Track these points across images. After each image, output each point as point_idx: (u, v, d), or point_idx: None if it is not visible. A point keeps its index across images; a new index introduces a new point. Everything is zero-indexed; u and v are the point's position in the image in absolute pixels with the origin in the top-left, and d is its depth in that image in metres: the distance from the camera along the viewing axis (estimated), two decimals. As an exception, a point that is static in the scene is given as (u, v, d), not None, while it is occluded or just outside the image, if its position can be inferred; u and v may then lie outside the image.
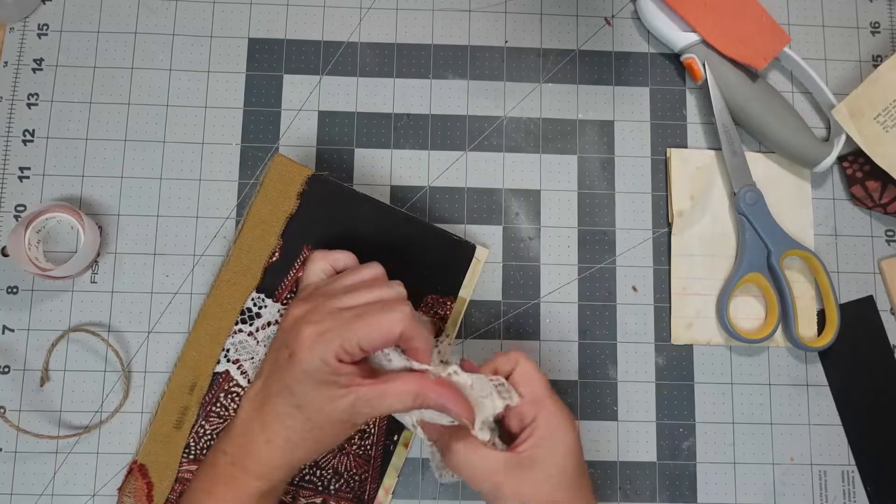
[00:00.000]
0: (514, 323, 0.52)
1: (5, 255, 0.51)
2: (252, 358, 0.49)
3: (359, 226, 0.50)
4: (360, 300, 0.40)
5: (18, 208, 0.52)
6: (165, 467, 0.48)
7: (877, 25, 0.57)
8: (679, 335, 0.53)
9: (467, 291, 0.51)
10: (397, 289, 0.42)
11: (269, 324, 0.49)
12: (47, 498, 0.49)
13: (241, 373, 0.49)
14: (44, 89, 0.54)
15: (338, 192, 0.50)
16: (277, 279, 0.50)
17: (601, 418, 0.52)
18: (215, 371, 0.49)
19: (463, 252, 0.51)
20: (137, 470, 0.48)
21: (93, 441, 0.50)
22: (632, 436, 0.52)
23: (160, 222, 0.53)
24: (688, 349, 0.53)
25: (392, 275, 0.43)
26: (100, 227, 0.52)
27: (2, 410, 0.50)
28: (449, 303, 0.51)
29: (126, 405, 0.50)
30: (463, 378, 0.41)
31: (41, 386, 0.50)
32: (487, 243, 0.53)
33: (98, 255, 0.52)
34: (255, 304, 0.49)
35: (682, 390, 0.52)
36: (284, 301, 0.50)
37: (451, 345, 0.49)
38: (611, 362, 0.52)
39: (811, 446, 0.52)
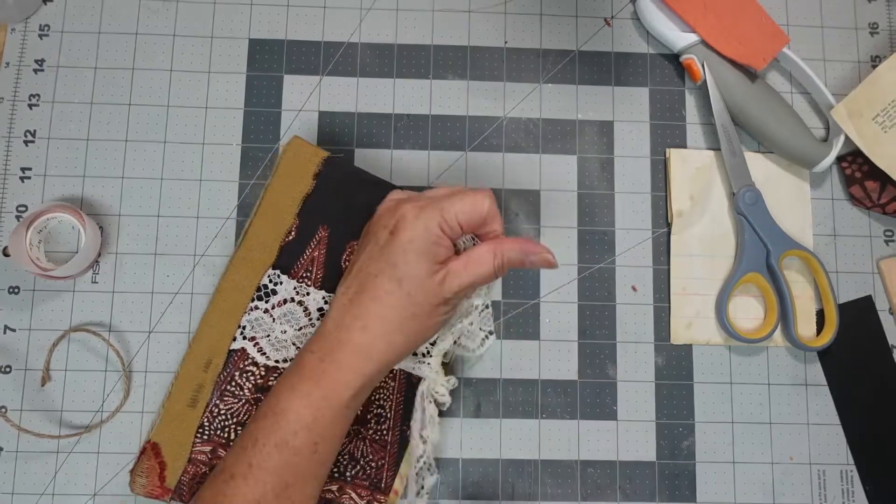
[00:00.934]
0: (513, 323, 0.53)
1: (7, 256, 0.51)
2: (268, 335, 0.49)
3: (372, 207, 0.49)
4: (458, 207, 0.41)
5: (20, 208, 0.53)
6: (179, 447, 0.48)
7: (875, 26, 0.57)
8: (678, 335, 0.53)
9: None
10: (482, 198, 0.42)
11: (284, 301, 0.49)
12: (48, 497, 0.49)
13: (259, 350, 0.49)
14: (45, 90, 0.54)
15: (354, 175, 0.50)
16: (293, 258, 0.50)
17: (601, 418, 0.52)
18: (231, 349, 0.49)
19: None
20: (151, 449, 0.48)
21: (93, 441, 0.50)
22: (631, 435, 0.52)
23: (161, 222, 0.53)
24: (687, 349, 0.53)
25: None
26: (101, 228, 0.52)
27: (3, 410, 0.50)
28: None
29: (127, 405, 0.51)
30: None
31: (42, 385, 0.51)
32: (487, 243, 0.53)
33: (99, 255, 0.52)
34: (270, 281, 0.49)
35: (681, 390, 0.52)
36: (300, 279, 0.50)
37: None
38: (610, 362, 0.52)
39: (810, 446, 0.52)
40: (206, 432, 0.48)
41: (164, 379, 0.51)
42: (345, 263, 0.50)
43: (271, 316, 0.49)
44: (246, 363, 0.49)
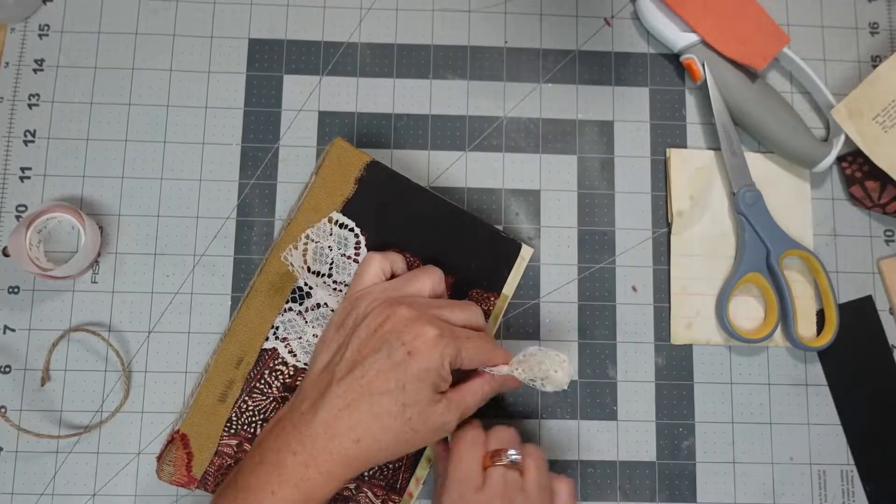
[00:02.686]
0: (513, 323, 0.53)
1: (6, 256, 0.51)
2: (300, 337, 0.49)
3: (411, 215, 0.50)
4: (458, 318, 0.44)
5: (19, 208, 0.53)
6: (207, 439, 0.48)
7: (876, 26, 0.57)
8: (679, 335, 0.53)
9: (511, 289, 0.52)
10: (478, 310, 0.46)
11: (318, 305, 0.49)
12: (48, 498, 0.49)
13: (289, 351, 0.49)
14: (45, 90, 0.54)
15: (394, 181, 0.51)
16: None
17: (601, 418, 0.52)
18: (263, 348, 0.49)
19: (509, 249, 0.52)
20: (180, 440, 0.48)
21: (93, 441, 0.50)
22: (631, 435, 0.52)
23: (160, 222, 0.53)
24: (687, 349, 0.53)
25: (439, 266, 0.47)
26: (100, 228, 0.52)
27: (3, 410, 0.50)
28: (492, 298, 0.51)
29: (126, 405, 0.51)
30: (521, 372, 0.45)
31: (42, 385, 0.51)
32: (487, 243, 0.53)
33: (99, 255, 0.52)
34: (306, 284, 0.49)
35: (681, 390, 0.52)
36: (336, 285, 0.50)
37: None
38: (610, 362, 0.52)
39: (810, 446, 0.52)
40: (234, 427, 0.48)
41: (164, 378, 0.51)
42: None
43: (304, 318, 0.49)
44: (276, 362, 0.49)
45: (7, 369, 0.51)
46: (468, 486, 0.42)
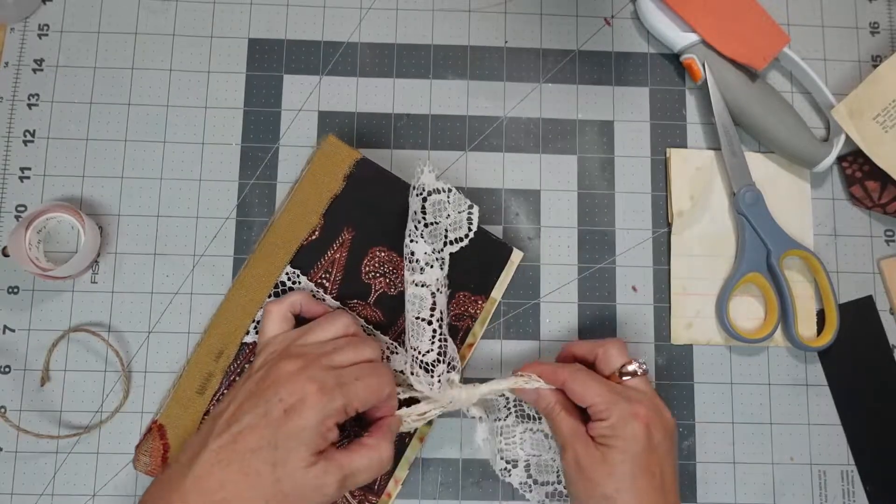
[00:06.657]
0: (513, 323, 0.53)
1: (6, 256, 0.51)
2: None
3: (400, 214, 0.50)
4: (350, 358, 0.42)
5: (19, 208, 0.53)
6: (183, 431, 0.48)
7: (876, 25, 0.57)
8: (679, 335, 0.53)
9: (499, 293, 0.52)
10: (374, 345, 0.44)
11: None
12: (47, 498, 0.49)
13: None
14: (44, 90, 0.54)
15: (384, 179, 0.51)
16: (314, 257, 0.50)
17: (601, 418, 0.52)
18: (243, 342, 0.49)
19: (499, 253, 0.51)
20: (157, 430, 0.48)
21: (93, 441, 0.50)
22: (631, 435, 0.52)
23: (160, 222, 0.53)
24: (687, 349, 0.53)
25: None
26: (100, 228, 0.52)
27: (2, 410, 0.50)
28: (480, 302, 0.51)
29: (126, 405, 0.50)
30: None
31: (42, 386, 0.51)
32: (487, 243, 0.53)
33: (98, 255, 0.52)
34: (288, 279, 0.50)
35: (681, 390, 0.52)
36: (318, 280, 0.50)
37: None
38: (610, 362, 0.52)
39: (811, 446, 0.52)
40: None
41: (163, 379, 0.51)
42: (365, 268, 0.50)
43: None
44: None
45: (7, 369, 0.51)
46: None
